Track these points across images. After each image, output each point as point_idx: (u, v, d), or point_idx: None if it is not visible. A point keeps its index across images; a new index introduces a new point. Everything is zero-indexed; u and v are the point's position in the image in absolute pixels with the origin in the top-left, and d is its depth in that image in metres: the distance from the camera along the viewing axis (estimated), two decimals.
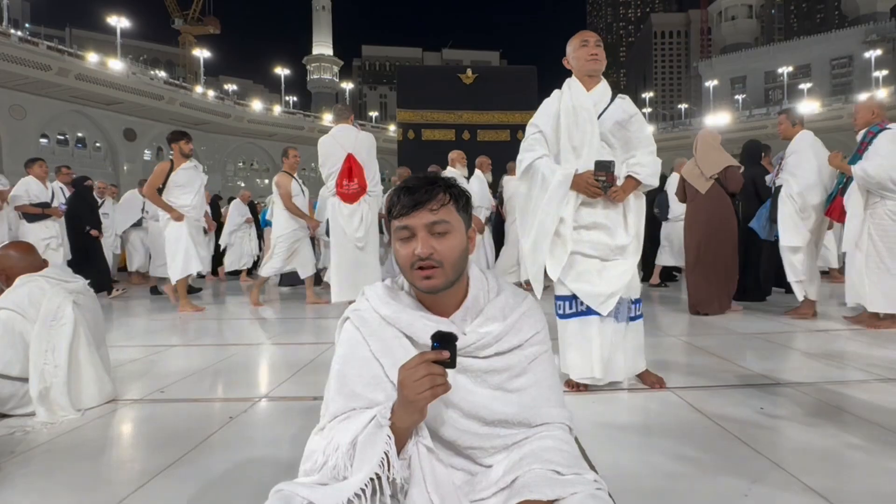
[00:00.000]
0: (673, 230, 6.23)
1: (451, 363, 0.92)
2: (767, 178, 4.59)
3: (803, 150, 4.08)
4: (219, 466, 1.63)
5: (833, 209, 4.04)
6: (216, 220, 8.01)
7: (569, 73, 2.50)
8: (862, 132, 3.83)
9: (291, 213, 5.29)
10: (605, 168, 2.21)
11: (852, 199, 3.78)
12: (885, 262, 3.61)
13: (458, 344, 0.98)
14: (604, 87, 2.41)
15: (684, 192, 4.70)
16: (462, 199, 1.07)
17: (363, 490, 0.87)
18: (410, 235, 1.01)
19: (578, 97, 2.37)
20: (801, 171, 4.04)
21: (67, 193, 6.62)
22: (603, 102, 2.36)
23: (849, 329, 3.69)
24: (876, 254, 3.64)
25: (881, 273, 3.61)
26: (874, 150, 3.63)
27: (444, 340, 0.92)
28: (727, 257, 4.48)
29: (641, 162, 2.32)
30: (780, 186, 4.18)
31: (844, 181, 3.91)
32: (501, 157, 6.86)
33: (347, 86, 64.42)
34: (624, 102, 2.37)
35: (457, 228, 1.04)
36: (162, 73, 41.85)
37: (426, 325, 1.01)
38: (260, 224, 9.02)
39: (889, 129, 3.69)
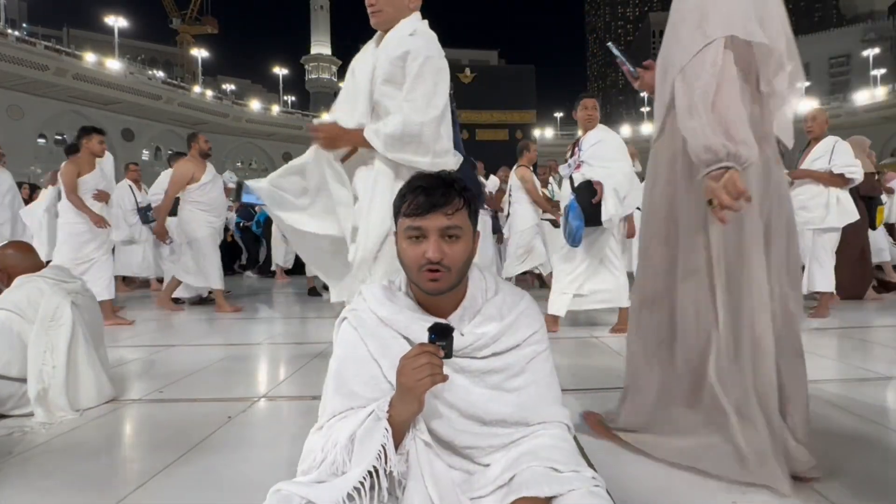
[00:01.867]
0: None
1: (448, 354, 0.93)
2: (562, 169, 3.88)
3: (611, 139, 3.62)
4: (217, 466, 1.63)
5: None
6: None
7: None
8: None
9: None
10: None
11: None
12: None
13: (456, 345, 0.99)
14: (395, 34, 1.72)
15: None
16: (474, 204, 1.07)
17: (361, 484, 0.87)
18: (421, 236, 1.01)
19: (359, 58, 1.82)
20: (611, 161, 3.51)
21: (137, 192, 6.51)
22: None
23: (846, 327, 3.69)
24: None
25: None
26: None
27: (441, 332, 0.93)
28: (858, 247, 4.83)
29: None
30: (588, 182, 3.50)
31: None
32: (500, 156, 6.87)
33: None
34: (403, 38, 1.67)
35: (466, 233, 1.04)
36: (160, 73, 41.87)
37: (423, 327, 1.01)
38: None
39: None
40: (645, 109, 60.04)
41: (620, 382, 2.47)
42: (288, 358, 3.10)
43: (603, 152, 3.52)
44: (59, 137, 32.75)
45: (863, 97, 41.24)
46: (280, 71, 52.87)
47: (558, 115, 56.08)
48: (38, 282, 2.21)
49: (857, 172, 4.12)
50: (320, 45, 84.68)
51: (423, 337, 0.97)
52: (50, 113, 31.27)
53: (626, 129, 53.19)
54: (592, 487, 0.91)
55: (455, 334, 0.99)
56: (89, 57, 32.13)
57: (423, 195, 1.00)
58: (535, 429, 1.04)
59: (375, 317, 1.07)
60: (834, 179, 4.13)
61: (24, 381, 2.07)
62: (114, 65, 33.47)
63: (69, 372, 2.13)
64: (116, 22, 37.75)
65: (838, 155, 4.15)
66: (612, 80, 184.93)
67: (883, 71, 45.19)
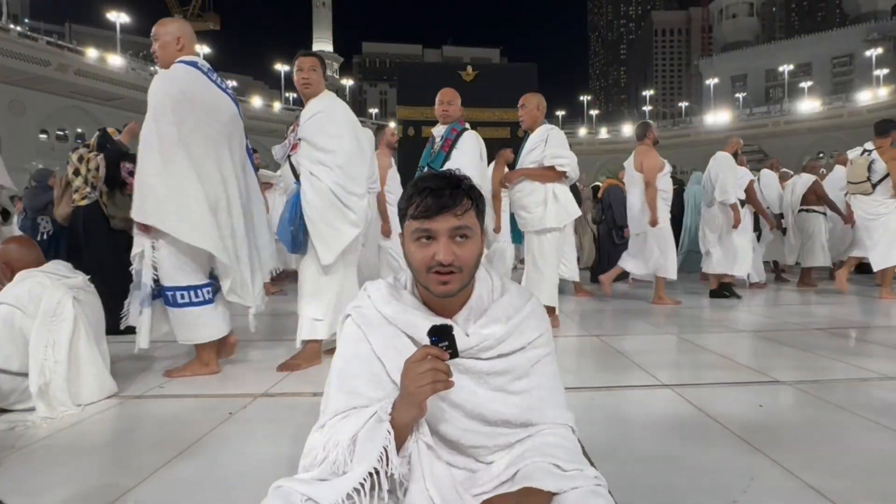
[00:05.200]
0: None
1: (454, 353, 0.93)
2: (276, 150, 2.93)
3: (334, 108, 2.81)
4: (218, 462, 1.63)
5: None
6: None
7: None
8: (445, 128, 3.47)
9: None
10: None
11: None
12: None
13: (462, 345, 0.98)
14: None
15: None
16: (481, 203, 1.05)
17: (362, 485, 0.87)
18: (430, 238, 1.00)
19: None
20: (340, 147, 2.73)
21: None
22: None
23: (830, 330, 3.69)
24: None
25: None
26: (465, 150, 3.33)
27: (441, 333, 0.93)
28: None
29: None
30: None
31: None
32: None
33: (347, 83, 64.36)
34: None
35: (475, 233, 1.03)
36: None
37: (428, 326, 1.01)
38: None
39: (468, 129, 3.46)
40: (647, 108, 59.90)
41: (622, 381, 2.49)
42: (289, 354, 3.10)
43: (336, 133, 2.74)
44: (61, 133, 32.75)
45: (865, 97, 41.17)
46: (282, 68, 52.75)
47: (560, 113, 56.01)
48: (39, 276, 2.21)
49: (567, 165, 3.59)
50: (322, 43, 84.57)
51: (427, 338, 0.96)
52: (52, 108, 31.26)
53: (627, 128, 53.18)
54: (595, 486, 0.91)
55: (459, 333, 0.99)
56: (91, 52, 32.13)
57: (431, 197, 0.99)
58: (541, 428, 1.03)
59: (380, 315, 1.06)
60: (546, 173, 3.60)
61: (25, 375, 2.08)
62: (116, 60, 33.47)
63: (70, 367, 2.14)
64: (118, 18, 37.70)
65: (551, 145, 3.62)
66: (615, 79, 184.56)
67: (886, 71, 45.07)
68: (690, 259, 7.74)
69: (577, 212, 3.76)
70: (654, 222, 4.84)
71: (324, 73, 2.90)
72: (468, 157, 3.32)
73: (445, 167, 3.28)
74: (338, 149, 2.71)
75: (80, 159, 3.87)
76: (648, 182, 4.85)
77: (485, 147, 3.54)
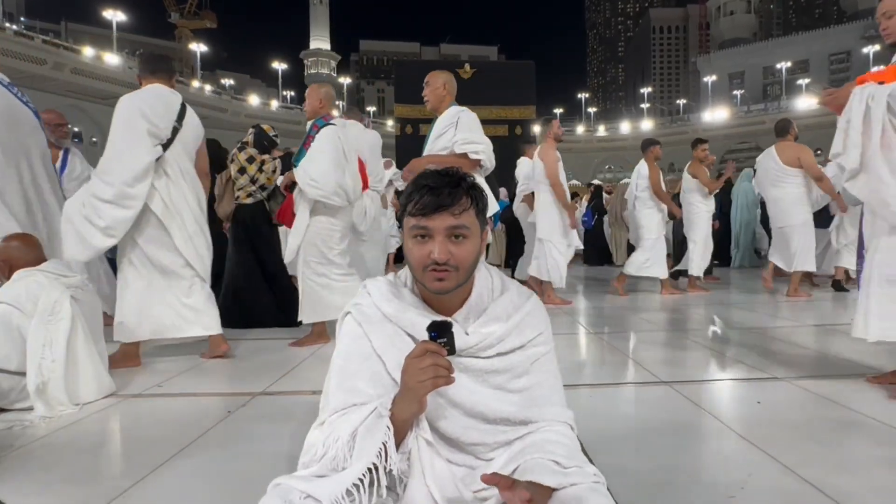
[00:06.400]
0: None
1: (452, 350, 0.93)
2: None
3: (120, 105, 2.83)
4: (217, 461, 1.63)
5: (284, 211, 3.45)
6: None
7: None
8: (308, 124, 3.32)
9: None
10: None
11: (301, 206, 3.19)
12: (326, 275, 3.22)
13: (461, 344, 0.98)
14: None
15: None
16: (481, 202, 1.05)
17: (361, 481, 0.87)
18: (427, 236, 1.00)
19: None
20: (106, 148, 2.79)
21: None
22: None
23: (828, 328, 3.70)
24: (314, 264, 3.21)
25: (320, 287, 3.20)
26: (318, 149, 3.14)
27: (440, 329, 0.93)
28: None
29: None
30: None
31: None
32: (499, 152, 6.86)
33: (345, 80, 64.24)
34: None
35: (474, 233, 1.02)
36: None
37: (427, 324, 1.01)
38: None
39: (332, 124, 3.22)
40: (645, 105, 59.91)
41: (620, 378, 2.49)
42: (287, 353, 3.11)
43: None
44: None
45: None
46: (279, 66, 52.69)
47: (558, 110, 56.03)
48: (37, 276, 2.20)
49: (483, 153, 3.12)
50: (319, 40, 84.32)
51: (427, 335, 0.96)
52: (48, 107, 31.07)
53: (626, 126, 53.22)
54: (593, 483, 0.91)
55: (458, 331, 0.99)
56: (87, 51, 32.03)
57: (430, 194, 0.99)
58: (540, 425, 1.04)
59: (380, 312, 1.06)
60: (458, 161, 3.04)
61: (23, 374, 2.07)
62: (112, 59, 33.37)
63: (69, 366, 2.13)
64: (115, 16, 37.60)
65: (462, 129, 3.13)
66: (612, 76, 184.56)
67: (883, 68, 45.18)
68: (748, 255, 8.10)
69: (495, 206, 3.28)
70: (844, 208, 5.12)
71: (144, 70, 3.05)
72: (315, 153, 3.15)
73: (301, 164, 3.16)
74: (105, 151, 2.74)
75: (251, 160, 4.00)
76: (819, 177, 4.97)
77: (349, 141, 3.37)
